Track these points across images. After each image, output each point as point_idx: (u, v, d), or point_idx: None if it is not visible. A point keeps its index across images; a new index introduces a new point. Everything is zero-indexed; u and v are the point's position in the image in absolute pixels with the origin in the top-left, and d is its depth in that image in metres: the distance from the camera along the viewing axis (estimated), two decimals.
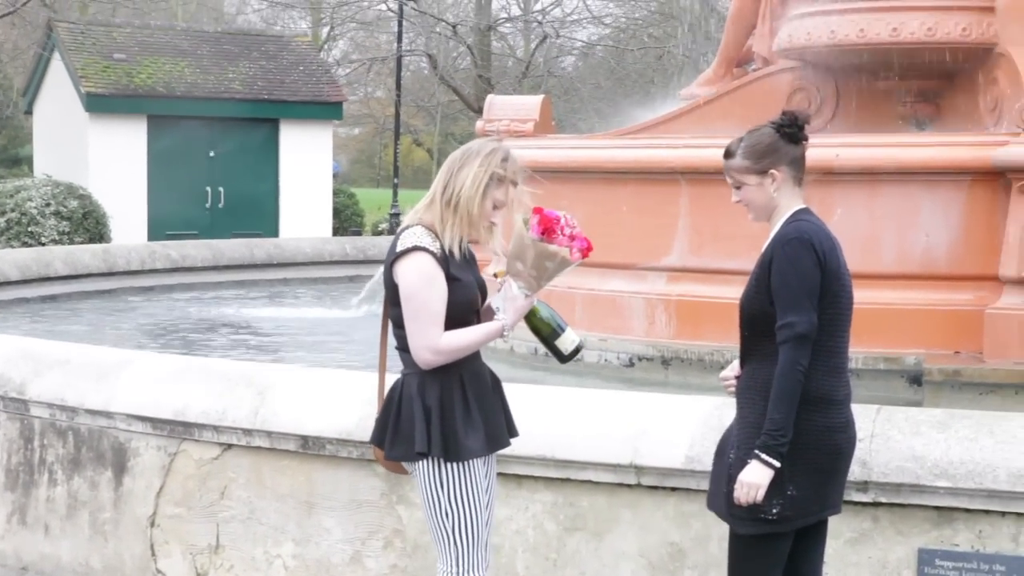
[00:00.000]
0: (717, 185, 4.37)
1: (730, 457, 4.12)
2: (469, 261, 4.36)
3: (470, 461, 4.27)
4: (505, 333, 4.27)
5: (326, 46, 39.75)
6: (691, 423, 5.04)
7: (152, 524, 6.01)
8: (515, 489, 5.21)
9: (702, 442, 4.91)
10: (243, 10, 42.97)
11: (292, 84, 26.40)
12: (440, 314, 4.20)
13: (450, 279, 4.23)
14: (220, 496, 5.85)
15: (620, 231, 8.46)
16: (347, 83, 36.09)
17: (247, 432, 5.74)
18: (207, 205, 25.23)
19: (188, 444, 5.93)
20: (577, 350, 4.37)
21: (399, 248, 4.24)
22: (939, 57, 9.37)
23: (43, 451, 6.40)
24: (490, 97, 10.96)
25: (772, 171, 4.17)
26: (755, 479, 4.00)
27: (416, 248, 4.21)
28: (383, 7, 34.55)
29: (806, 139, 4.23)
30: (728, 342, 4.59)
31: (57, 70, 25.75)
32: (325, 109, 26.54)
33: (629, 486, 5.09)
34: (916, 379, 7.46)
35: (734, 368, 4.29)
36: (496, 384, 4.45)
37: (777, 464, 3.99)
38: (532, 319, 4.32)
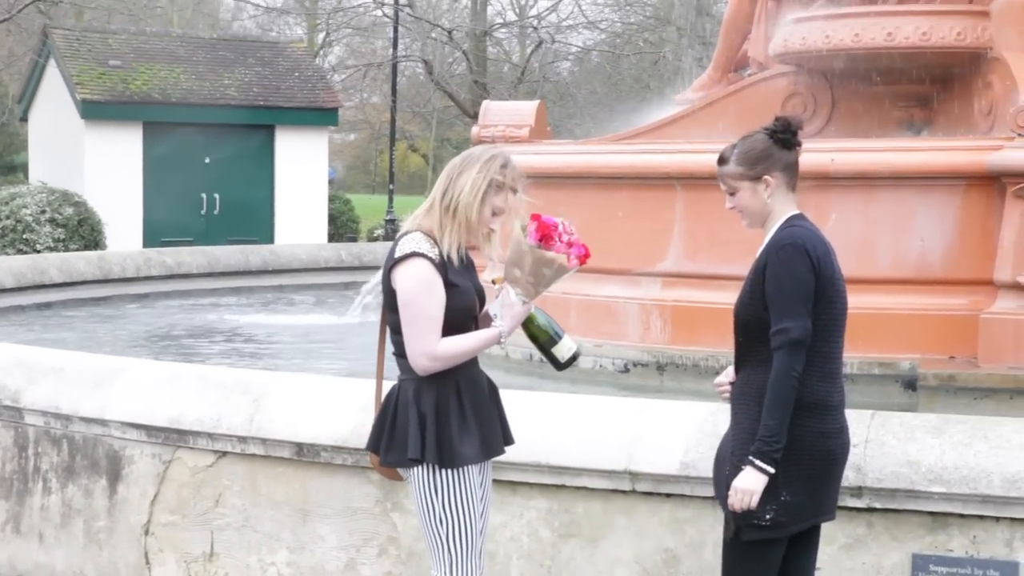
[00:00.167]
0: (712, 190, 4.36)
1: (726, 470, 4.12)
2: (468, 267, 4.36)
3: (465, 468, 4.26)
4: (502, 340, 4.27)
5: (321, 52, 39.76)
6: (686, 429, 5.04)
7: (146, 532, 6.00)
8: (510, 496, 5.20)
9: (697, 448, 4.91)
10: (238, 16, 42.99)
11: (288, 90, 26.42)
12: (438, 320, 4.20)
13: (448, 285, 4.23)
14: (215, 504, 5.84)
15: (615, 236, 8.46)
16: (343, 89, 36.06)
17: (242, 439, 5.74)
18: (203, 212, 25.23)
19: (183, 452, 5.92)
20: (574, 357, 4.38)
21: (398, 254, 4.24)
22: (934, 61, 9.38)
23: (37, 459, 6.39)
24: (486, 103, 10.96)
25: (766, 177, 4.17)
26: (749, 485, 4.00)
27: (415, 254, 4.21)
28: (378, 13, 34.59)
29: (799, 145, 4.23)
30: (723, 348, 4.60)
31: (52, 77, 25.75)
32: (321, 115, 26.55)
33: (624, 492, 5.08)
34: (911, 384, 7.46)
35: (729, 374, 4.29)
36: (493, 391, 4.44)
37: (771, 470, 3.99)
38: (529, 326, 4.32)
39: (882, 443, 4.73)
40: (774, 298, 4.05)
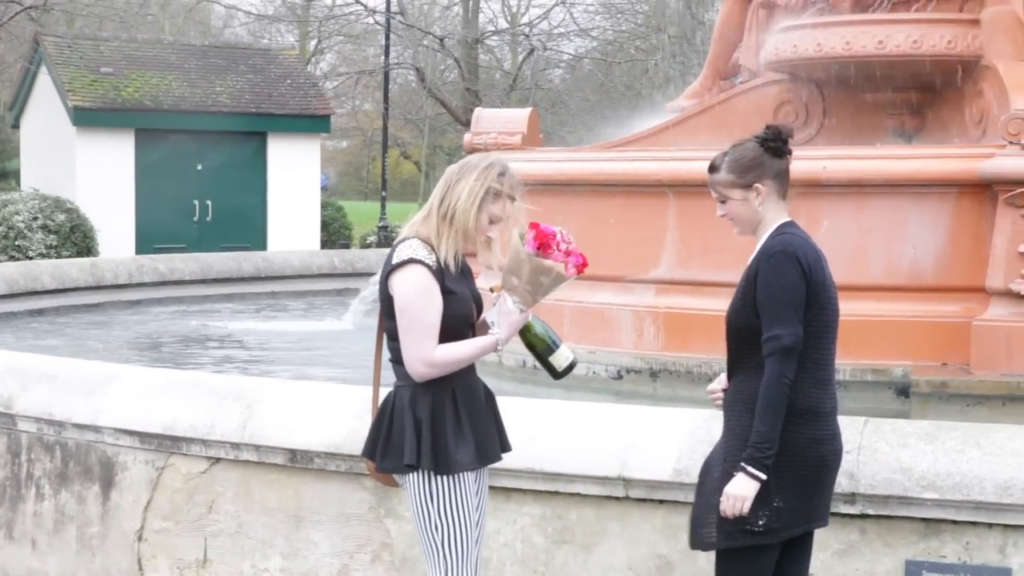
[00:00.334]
0: (704, 198, 4.37)
1: (715, 475, 4.13)
2: (465, 274, 4.36)
3: (460, 475, 4.27)
4: (499, 347, 4.28)
5: (313, 59, 39.80)
6: (679, 436, 5.05)
7: (140, 538, 6.00)
8: (503, 502, 5.21)
9: (690, 455, 4.92)
10: (230, 24, 43.00)
11: (280, 97, 26.42)
12: (435, 327, 4.21)
13: (445, 292, 4.23)
14: (208, 510, 5.84)
15: (608, 244, 8.46)
16: (335, 96, 36.11)
17: (235, 446, 5.74)
18: (195, 218, 25.22)
19: (176, 458, 5.92)
20: (571, 367, 4.38)
21: (395, 260, 4.25)
22: (925, 70, 9.40)
23: (30, 466, 6.38)
24: (478, 110, 10.96)
25: (757, 185, 4.19)
26: (741, 491, 4.01)
27: (412, 260, 4.22)
28: (370, 20, 34.60)
29: (790, 153, 4.25)
30: (716, 354, 4.61)
31: (44, 84, 25.73)
32: (313, 122, 26.55)
33: (617, 499, 5.09)
34: (903, 391, 7.47)
35: (721, 381, 4.31)
36: (490, 398, 4.45)
37: (763, 476, 4.00)
38: (527, 334, 4.33)
39: (875, 450, 4.74)
40: (765, 305, 4.06)
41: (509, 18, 38.52)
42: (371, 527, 5.51)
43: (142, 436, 5.98)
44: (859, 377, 7.58)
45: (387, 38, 30.00)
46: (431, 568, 4.31)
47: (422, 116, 38.97)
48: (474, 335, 4.33)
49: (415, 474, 4.25)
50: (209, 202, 25.27)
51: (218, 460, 5.81)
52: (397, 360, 4.29)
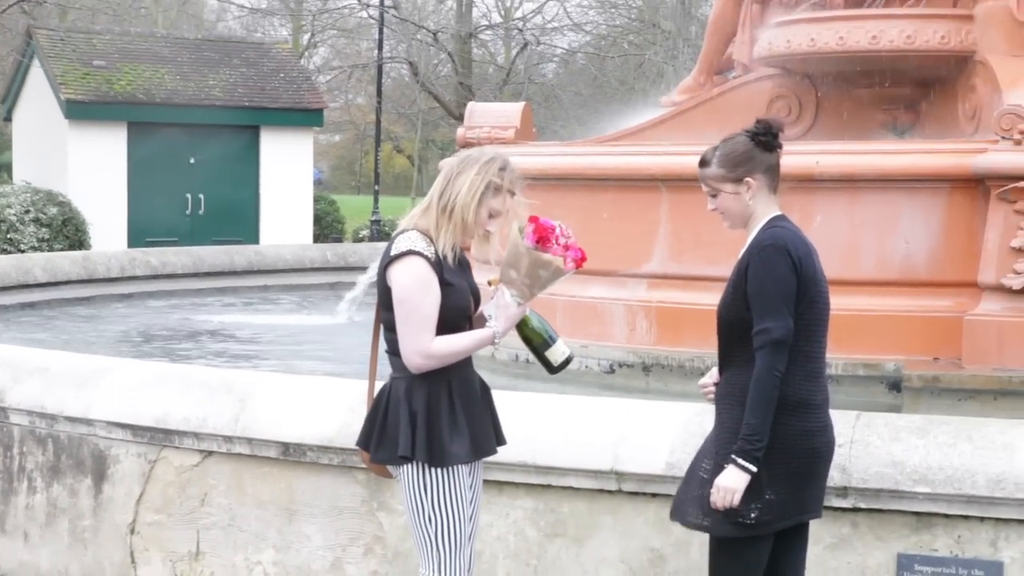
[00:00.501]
0: (697, 192, 4.38)
1: (704, 466, 4.14)
2: (463, 267, 4.37)
3: (455, 467, 4.27)
4: (496, 341, 4.29)
5: (307, 53, 39.74)
6: (671, 429, 5.05)
7: (132, 531, 5.99)
8: (496, 495, 5.21)
9: (683, 448, 4.92)
10: (223, 17, 42.91)
11: (273, 91, 26.39)
12: (432, 319, 4.21)
13: (443, 284, 4.24)
14: (200, 503, 5.84)
15: (601, 238, 8.45)
16: (328, 90, 36.04)
17: (228, 439, 5.74)
18: (187, 212, 25.19)
19: (168, 451, 5.92)
20: (567, 362, 4.40)
21: (393, 252, 4.25)
22: (918, 65, 9.41)
23: (22, 459, 6.38)
24: (471, 104, 10.96)
25: (747, 179, 4.20)
26: (731, 483, 4.02)
27: (411, 252, 4.22)
28: (364, 14, 34.57)
29: (780, 147, 4.25)
30: (708, 348, 4.61)
31: (36, 77, 25.69)
32: (306, 116, 26.52)
33: (610, 492, 5.10)
34: (895, 385, 7.48)
35: (713, 375, 4.32)
36: (485, 391, 4.46)
37: (754, 469, 4.01)
38: (523, 328, 4.33)
39: (867, 444, 4.75)
40: (756, 298, 4.07)
41: (503, 12, 38.49)
42: (364, 520, 5.51)
43: (134, 429, 5.98)
44: (851, 371, 7.59)
45: (380, 32, 29.95)
46: (424, 561, 4.31)
47: (415, 110, 38.95)
48: (471, 328, 4.33)
49: (409, 466, 4.26)
50: (202, 196, 25.24)
51: (210, 453, 5.81)
52: (394, 351, 4.29)
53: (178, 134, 25.01)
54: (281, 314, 14.23)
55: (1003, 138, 7.50)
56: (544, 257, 4.21)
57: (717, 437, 4.17)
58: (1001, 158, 7.47)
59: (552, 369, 4.38)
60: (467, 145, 10.05)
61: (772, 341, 4.02)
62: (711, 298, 4.41)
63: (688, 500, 4.20)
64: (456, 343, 4.25)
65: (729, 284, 4.19)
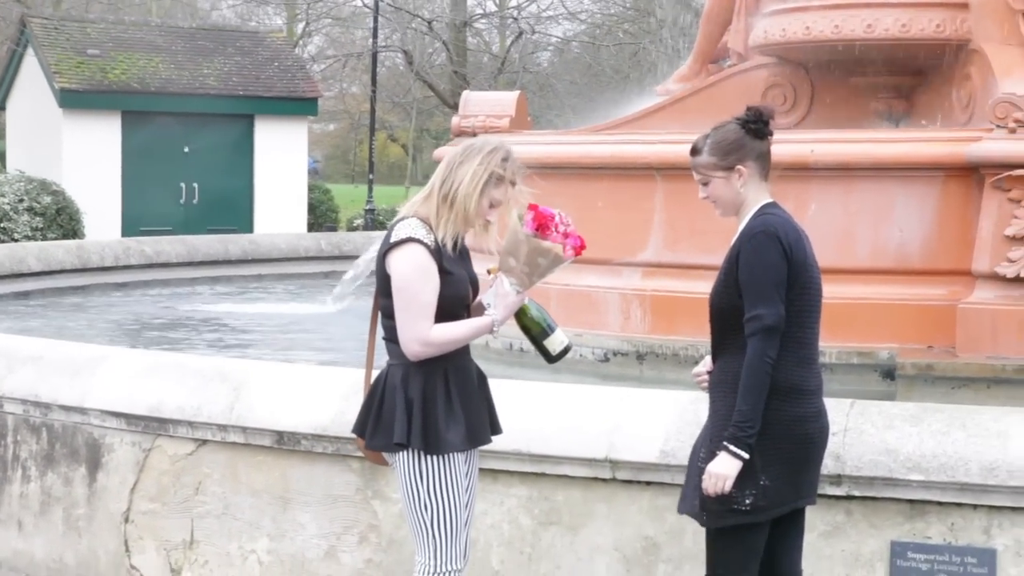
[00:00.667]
0: (692, 181, 4.38)
1: (701, 455, 4.15)
2: (463, 256, 4.37)
3: (450, 455, 4.28)
4: (495, 329, 4.30)
5: (301, 42, 39.66)
6: (666, 418, 5.06)
7: (126, 520, 5.99)
8: (490, 483, 5.21)
9: (677, 436, 4.93)
10: (217, 6, 42.81)
11: (267, 80, 26.36)
12: (431, 306, 4.21)
13: (443, 272, 4.24)
14: (195, 492, 5.84)
15: (595, 227, 8.41)
16: (322, 79, 35.99)
17: (222, 428, 5.74)
18: (181, 201, 25.17)
19: (163, 440, 5.91)
20: (565, 351, 4.40)
21: (393, 239, 4.25)
22: (913, 53, 9.40)
23: (16, 447, 6.37)
24: (466, 93, 10.95)
25: (739, 167, 4.20)
26: (723, 470, 4.03)
27: (410, 239, 4.22)
28: (358, 3, 34.50)
29: (771, 134, 4.26)
30: (703, 337, 4.60)
31: (30, 66, 25.65)
32: (300, 105, 26.51)
33: (604, 480, 5.10)
34: (889, 373, 7.49)
35: (707, 363, 4.32)
36: (482, 380, 4.46)
37: (745, 455, 4.02)
38: (522, 317, 4.34)
39: (861, 431, 4.76)
40: (747, 285, 4.08)
41: (497, 1, 38.43)
42: (358, 509, 5.51)
43: (128, 418, 5.98)
44: (845, 360, 7.59)
45: (375, 21, 29.90)
46: (420, 548, 4.31)
47: (410, 99, 38.86)
48: (470, 316, 4.33)
49: (405, 453, 4.26)
50: (196, 185, 25.22)
51: (205, 442, 5.81)
52: (391, 338, 4.29)
53: (172, 123, 24.99)
54: (275, 303, 14.21)
55: (998, 126, 7.50)
56: (543, 244, 4.21)
57: (711, 425, 4.17)
58: (995, 146, 7.47)
59: (550, 358, 4.38)
60: (462, 134, 10.04)
61: (763, 328, 4.02)
62: (705, 286, 4.41)
63: (689, 489, 4.21)
64: (454, 331, 4.25)
65: (721, 272, 4.20)
